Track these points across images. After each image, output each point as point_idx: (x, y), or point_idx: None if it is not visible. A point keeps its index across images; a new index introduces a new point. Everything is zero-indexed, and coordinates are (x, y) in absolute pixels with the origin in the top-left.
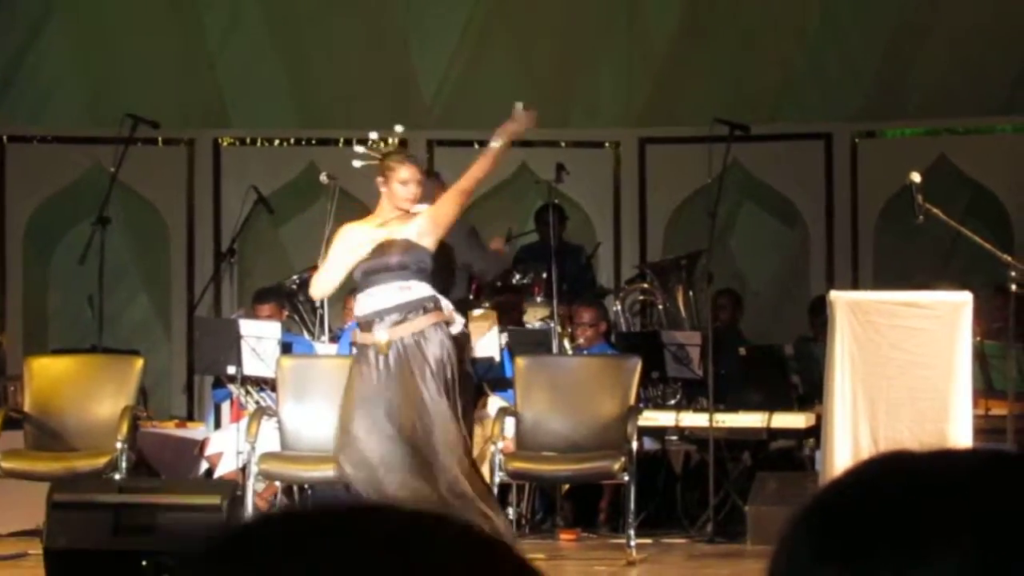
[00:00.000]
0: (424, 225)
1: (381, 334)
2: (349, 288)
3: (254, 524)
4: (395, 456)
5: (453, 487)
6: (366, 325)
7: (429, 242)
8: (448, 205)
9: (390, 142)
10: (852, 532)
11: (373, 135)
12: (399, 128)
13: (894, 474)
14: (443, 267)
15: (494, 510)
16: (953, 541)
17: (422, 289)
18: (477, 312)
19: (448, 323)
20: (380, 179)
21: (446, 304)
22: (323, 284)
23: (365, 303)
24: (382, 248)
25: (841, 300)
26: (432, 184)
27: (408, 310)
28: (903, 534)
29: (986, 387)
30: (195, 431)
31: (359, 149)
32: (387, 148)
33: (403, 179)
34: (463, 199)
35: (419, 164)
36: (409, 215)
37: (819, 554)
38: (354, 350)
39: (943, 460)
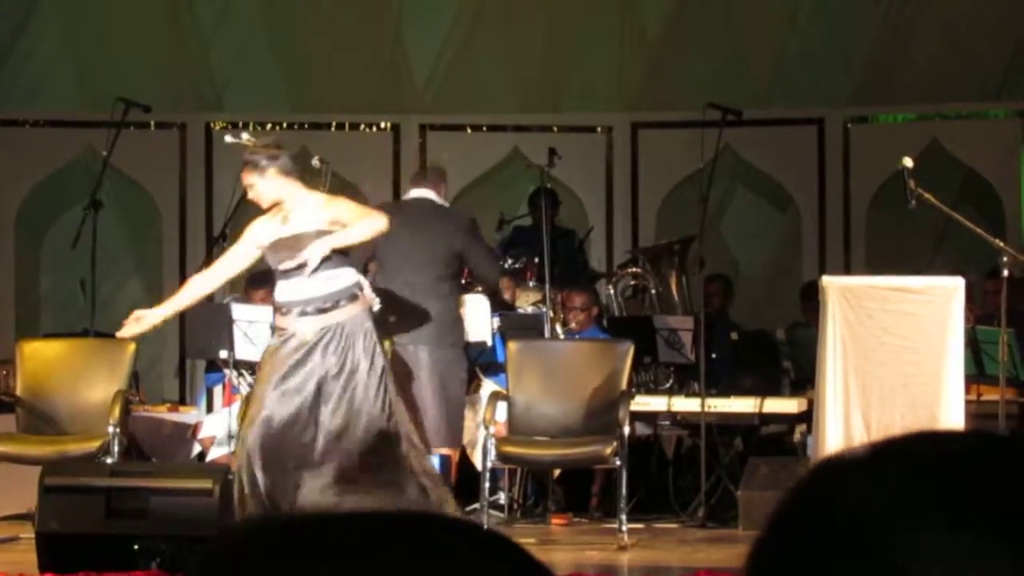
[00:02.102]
0: (340, 217)
1: (307, 324)
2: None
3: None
4: (312, 447)
5: (390, 469)
6: (287, 310)
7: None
8: (357, 232)
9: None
10: (853, 523)
11: (245, 135)
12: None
13: (891, 458)
14: (436, 262)
15: (434, 483)
16: (957, 522)
17: (348, 275)
18: (472, 300)
19: (371, 307)
20: None
21: (367, 287)
22: (209, 281)
23: (287, 290)
24: (292, 244)
25: (833, 285)
26: (436, 176)
27: (337, 298)
28: (908, 518)
29: (978, 372)
30: (187, 415)
31: (233, 139)
32: (257, 142)
33: (245, 187)
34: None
35: (253, 162)
36: (313, 204)
37: (819, 550)
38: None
39: (933, 442)
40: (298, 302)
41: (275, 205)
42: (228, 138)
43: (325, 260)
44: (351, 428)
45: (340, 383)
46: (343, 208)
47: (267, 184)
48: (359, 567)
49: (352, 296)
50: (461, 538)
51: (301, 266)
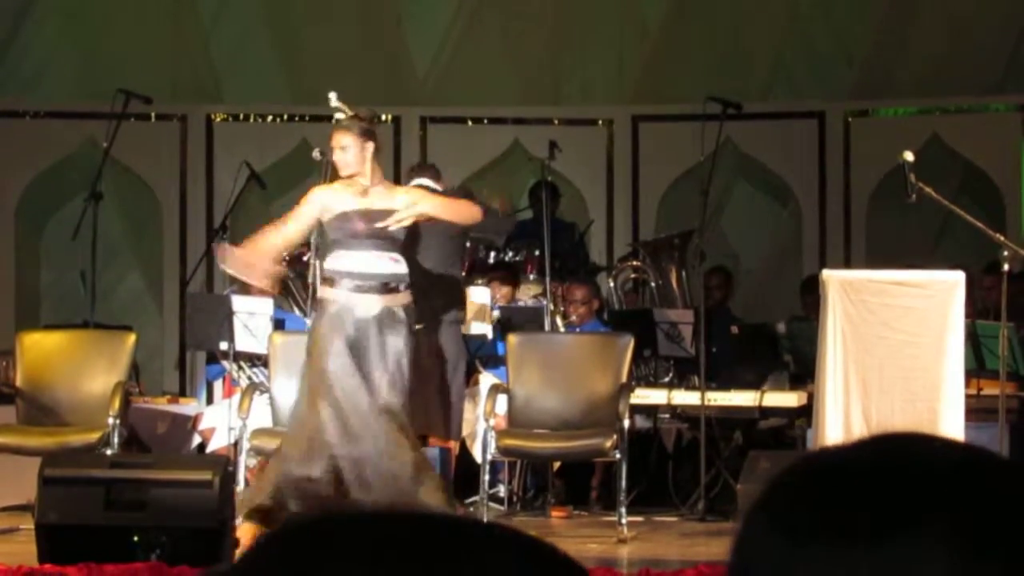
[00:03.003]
0: (413, 205)
1: (367, 301)
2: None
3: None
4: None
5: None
6: (337, 281)
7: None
8: (436, 210)
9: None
10: (835, 511)
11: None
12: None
13: (881, 454)
14: (442, 243)
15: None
16: (930, 523)
17: (404, 265)
18: (474, 292)
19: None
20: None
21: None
22: (278, 240)
23: (347, 260)
24: (370, 215)
25: (833, 279)
26: (433, 170)
27: (398, 281)
28: (886, 514)
29: (978, 367)
30: (187, 407)
31: (337, 103)
32: (362, 113)
33: (333, 146)
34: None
35: (349, 128)
36: (391, 188)
37: (797, 537)
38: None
39: (927, 445)
40: (358, 275)
41: (350, 176)
42: (333, 96)
43: (393, 241)
44: (378, 418)
45: (382, 368)
46: (417, 194)
47: (359, 153)
48: (394, 569)
49: (409, 284)
50: (496, 541)
51: (378, 236)
